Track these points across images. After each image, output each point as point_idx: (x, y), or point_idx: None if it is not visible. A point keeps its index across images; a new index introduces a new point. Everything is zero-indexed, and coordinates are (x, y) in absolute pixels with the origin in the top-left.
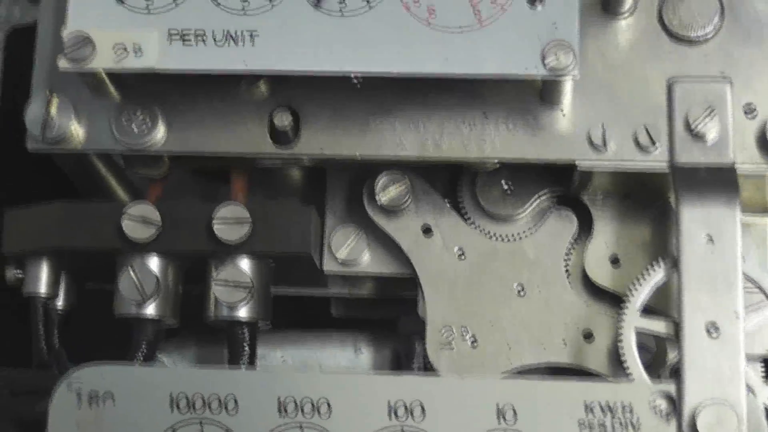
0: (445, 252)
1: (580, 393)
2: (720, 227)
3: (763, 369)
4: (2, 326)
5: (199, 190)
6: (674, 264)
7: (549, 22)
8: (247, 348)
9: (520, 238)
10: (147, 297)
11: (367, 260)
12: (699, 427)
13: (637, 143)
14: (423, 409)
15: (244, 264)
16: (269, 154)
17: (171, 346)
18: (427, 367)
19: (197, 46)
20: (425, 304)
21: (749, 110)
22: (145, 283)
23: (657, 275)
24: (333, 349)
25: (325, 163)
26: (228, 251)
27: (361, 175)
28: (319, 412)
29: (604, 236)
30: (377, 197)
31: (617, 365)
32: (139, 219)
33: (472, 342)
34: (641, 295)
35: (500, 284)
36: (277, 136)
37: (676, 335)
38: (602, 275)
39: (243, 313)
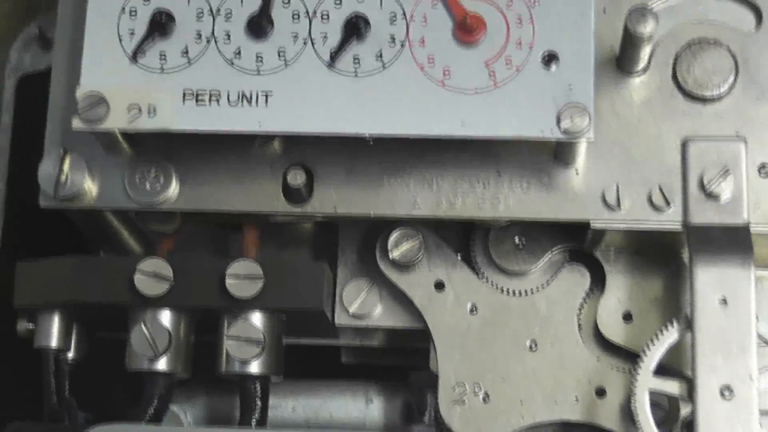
0: (457, 307)
1: None
2: (734, 289)
3: None
4: (13, 377)
5: (209, 237)
6: (688, 325)
7: (564, 84)
8: (258, 403)
9: (533, 292)
10: (159, 353)
11: (379, 313)
12: None
13: (651, 203)
14: None
15: (257, 318)
16: (282, 212)
17: (181, 396)
18: (439, 420)
19: (211, 106)
20: (438, 359)
21: (763, 169)
22: (157, 339)
23: (670, 336)
24: (344, 400)
25: (337, 218)
26: (240, 306)
27: (373, 228)
28: None
29: (617, 292)
30: (390, 253)
31: (630, 422)
32: (151, 274)
33: (485, 398)
34: (655, 356)
35: (512, 339)
36: (291, 194)
37: (690, 396)
38: (615, 331)
39: (255, 368)
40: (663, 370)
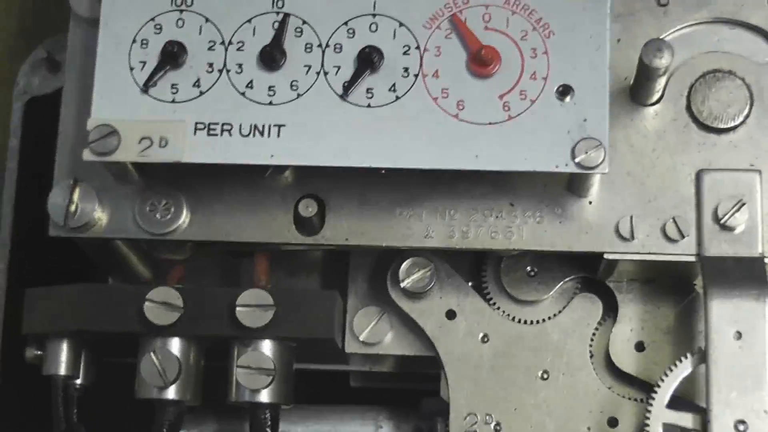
0: (469, 336)
1: None
2: (749, 323)
3: None
4: (22, 404)
5: (220, 264)
6: (702, 358)
7: (579, 117)
8: (269, 431)
9: (545, 321)
10: (169, 382)
11: (390, 341)
12: None
13: (665, 235)
14: None
15: (267, 348)
16: (294, 243)
17: (190, 423)
18: None
19: (223, 138)
20: (449, 388)
21: None
22: (167, 368)
23: (684, 368)
24: (353, 425)
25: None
26: (251, 335)
27: (384, 256)
28: None
29: (629, 322)
30: (401, 281)
31: None
32: (161, 303)
33: (496, 428)
34: (669, 388)
35: (524, 369)
36: (302, 224)
37: (704, 430)
38: (627, 361)
39: (265, 397)
40: (676, 399)
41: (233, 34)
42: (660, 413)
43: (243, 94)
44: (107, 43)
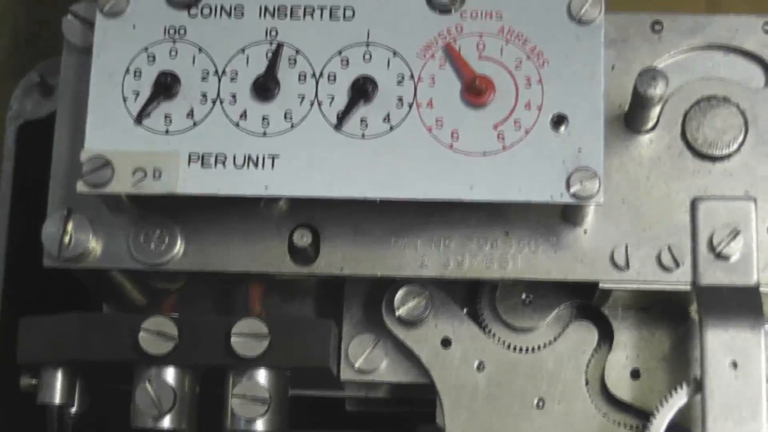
0: (464, 364)
1: None
2: (744, 352)
3: None
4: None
5: (214, 291)
6: (698, 387)
7: (574, 146)
8: None
9: (540, 349)
10: (164, 411)
11: (385, 368)
12: None
13: (661, 263)
14: None
15: (262, 376)
16: (289, 273)
17: None
18: None
19: (217, 169)
20: (444, 416)
21: None
22: (162, 398)
23: (680, 398)
24: None
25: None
26: (246, 365)
27: (379, 283)
28: None
29: (625, 349)
30: (396, 310)
31: None
32: (155, 333)
33: None
34: (664, 419)
35: (520, 397)
36: (297, 254)
37: None
38: (623, 389)
39: (260, 426)
40: (671, 427)
41: (226, 64)
42: None
43: (237, 124)
44: (100, 73)
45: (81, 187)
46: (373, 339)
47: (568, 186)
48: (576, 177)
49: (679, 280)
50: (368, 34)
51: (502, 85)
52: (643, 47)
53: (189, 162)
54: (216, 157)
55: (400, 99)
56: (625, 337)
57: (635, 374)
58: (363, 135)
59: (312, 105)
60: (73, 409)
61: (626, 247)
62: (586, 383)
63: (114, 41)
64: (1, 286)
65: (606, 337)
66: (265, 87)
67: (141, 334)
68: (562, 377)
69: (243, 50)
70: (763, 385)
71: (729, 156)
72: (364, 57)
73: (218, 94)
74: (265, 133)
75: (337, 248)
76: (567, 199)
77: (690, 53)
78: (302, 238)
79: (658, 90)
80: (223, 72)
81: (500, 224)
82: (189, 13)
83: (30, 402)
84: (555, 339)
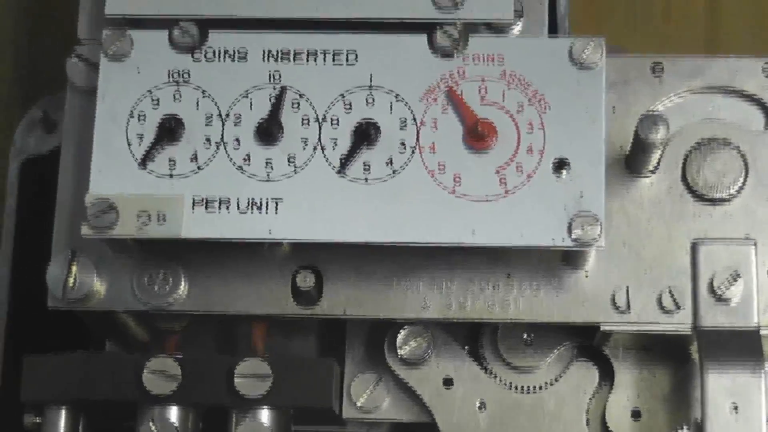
0: (465, 404)
1: None
2: (745, 396)
3: None
4: None
5: (217, 328)
6: (698, 430)
7: (575, 191)
8: None
9: (541, 389)
10: None
11: (387, 407)
12: None
13: (661, 306)
14: None
15: (265, 416)
16: (292, 314)
17: None
18: None
19: (221, 213)
20: None
21: None
22: None
23: None
24: None
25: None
26: (249, 405)
27: (381, 321)
28: None
29: (626, 390)
30: (398, 350)
31: None
32: (159, 373)
33: None
34: None
35: None
36: (300, 296)
37: None
38: (624, 429)
39: None
40: None
41: (230, 108)
42: None
43: (240, 168)
44: (104, 117)
45: (86, 230)
46: (376, 377)
47: (569, 231)
48: (577, 222)
49: (679, 322)
50: (371, 77)
51: (504, 129)
52: (643, 90)
53: (193, 206)
54: (220, 201)
55: (403, 143)
56: (626, 377)
57: (636, 414)
58: (366, 179)
59: (315, 149)
60: None
61: (627, 290)
62: (587, 423)
63: (118, 85)
64: (5, 323)
65: (607, 376)
66: (268, 131)
67: (144, 374)
68: (563, 417)
69: (246, 94)
70: (763, 429)
71: (729, 199)
72: (366, 101)
73: (222, 138)
74: (268, 177)
75: (339, 290)
76: (569, 244)
77: (690, 95)
78: (305, 281)
79: (659, 135)
80: (227, 116)
81: (502, 266)
82: (193, 56)
83: None
84: (556, 379)
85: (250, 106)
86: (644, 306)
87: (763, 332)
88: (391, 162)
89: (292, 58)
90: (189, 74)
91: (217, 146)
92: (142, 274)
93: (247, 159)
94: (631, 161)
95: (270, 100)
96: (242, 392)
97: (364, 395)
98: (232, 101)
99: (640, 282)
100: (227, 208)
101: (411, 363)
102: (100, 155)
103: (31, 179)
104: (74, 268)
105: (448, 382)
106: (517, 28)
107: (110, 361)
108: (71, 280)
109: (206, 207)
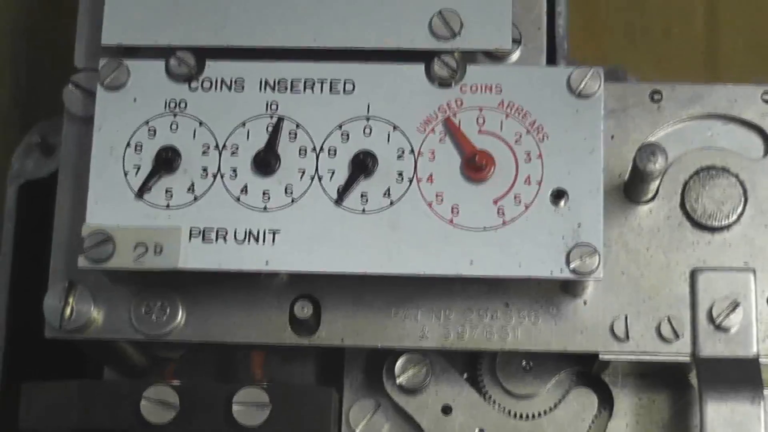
0: (464, 431)
1: None
2: (745, 425)
3: None
4: None
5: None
6: None
7: (573, 222)
8: None
9: (540, 416)
10: None
11: None
12: None
13: (660, 335)
14: None
15: None
16: (289, 344)
17: None
18: None
19: (218, 244)
20: None
21: None
22: None
23: None
24: None
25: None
26: None
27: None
28: None
29: (625, 417)
30: (397, 378)
31: None
32: (156, 402)
33: None
34: None
35: None
36: (298, 325)
37: None
38: None
39: None
40: None
41: (227, 138)
42: None
43: (237, 199)
44: (101, 147)
45: (82, 262)
46: (374, 404)
47: (568, 261)
48: (576, 253)
49: (678, 351)
50: (368, 107)
51: (502, 159)
52: (642, 117)
53: (190, 237)
54: (217, 232)
55: (401, 174)
56: (625, 404)
57: None
58: (363, 210)
59: (312, 179)
60: None
61: (626, 318)
62: None
63: (115, 115)
64: (2, 348)
65: (606, 403)
66: (265, 162)
67: (142, 402)
68: None
69: (243, 124)
70: None
71: (728, 227)
72: (364, 131)
73: (219, 169)
74: (265, 208)
75: (337, 319)
76: (567, 275)
77: (689, 123)
78: (303, 310)
79: (657, 165)
80: (224, 146)
81: (500, 296)
82: (190, 86)
83: None
84: (555, 406)
85: (247, 136)
86: (643, 335)
87: (763, 360)
88: (388, 192)
89: (289, 87)
90: (186, 104)
91: (214, 177)
92: (140, 304)
93: (244, 189)
94: (630, 189)
95: (267, 130)
96: (240, 421)
97: (363, 422)
98: (229, 131)
99: (638, 311)
100: (224, 239)
101: (409, 390)
102: (96, 186)
103: (29, 203)
104: (71, 299)
105: (446, 410)
106: (515, 56)
107: (108, 389)
108: (68, 311)
109: (203, 238)
